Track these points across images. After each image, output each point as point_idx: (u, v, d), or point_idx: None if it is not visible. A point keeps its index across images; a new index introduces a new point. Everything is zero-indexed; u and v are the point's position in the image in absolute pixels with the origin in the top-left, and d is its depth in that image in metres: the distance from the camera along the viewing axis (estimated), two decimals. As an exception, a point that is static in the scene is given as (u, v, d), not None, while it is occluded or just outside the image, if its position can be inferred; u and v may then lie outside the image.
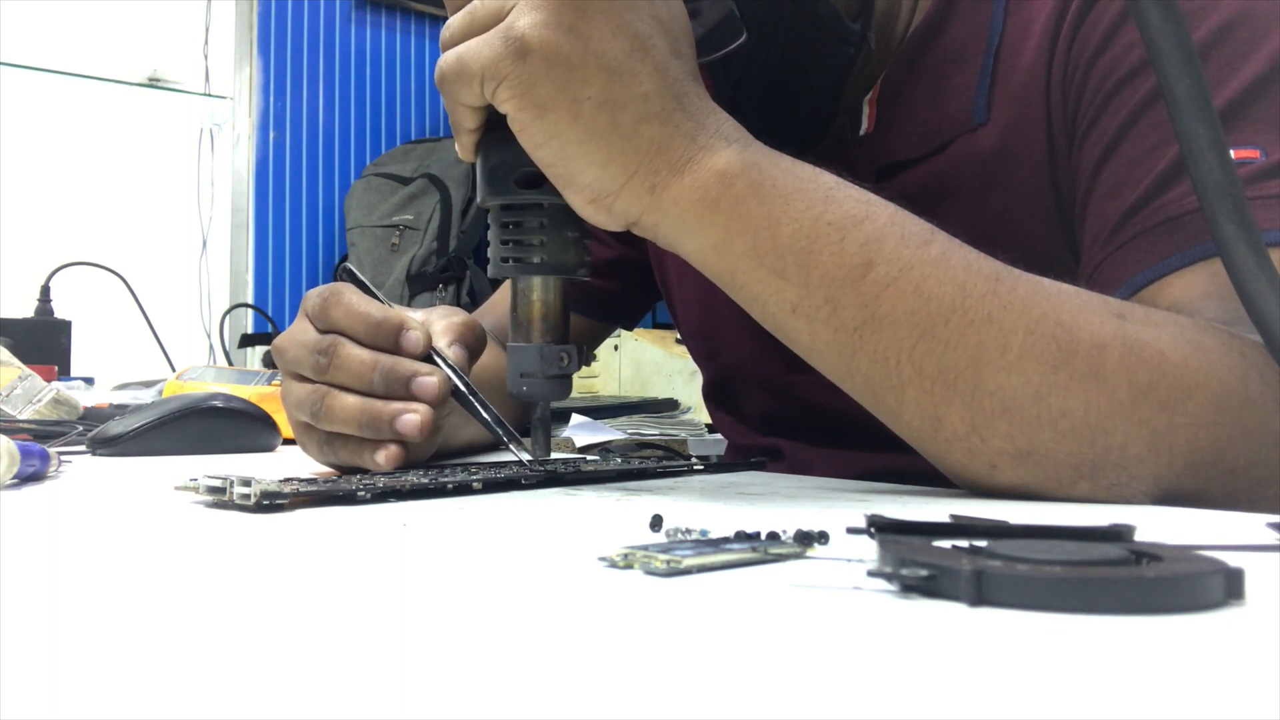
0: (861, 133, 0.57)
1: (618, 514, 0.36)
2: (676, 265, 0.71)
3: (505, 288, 0.80)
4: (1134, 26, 0.49)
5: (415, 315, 0.49)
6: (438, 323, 0.49)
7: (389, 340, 0.45)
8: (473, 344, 0.49)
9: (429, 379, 0.44)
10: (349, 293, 0.46)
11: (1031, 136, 0.54)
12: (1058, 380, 0.39)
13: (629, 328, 0.83)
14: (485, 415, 0.46)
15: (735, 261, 0.41)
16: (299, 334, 0.47)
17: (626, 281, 0.77)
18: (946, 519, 0.30)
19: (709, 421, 1.45)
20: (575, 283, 0.78)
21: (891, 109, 0.56)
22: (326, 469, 0.48)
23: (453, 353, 0.47)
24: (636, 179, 0.40)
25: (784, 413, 0.65)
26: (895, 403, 0.42)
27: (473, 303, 1.87)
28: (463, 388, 0.46)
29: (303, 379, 0.47)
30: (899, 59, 0.57)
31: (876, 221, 0.42)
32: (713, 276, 0.43)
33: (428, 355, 0.46)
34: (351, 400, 0.44)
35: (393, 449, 0.44)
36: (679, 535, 0.29)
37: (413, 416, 0.43)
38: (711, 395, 0.74)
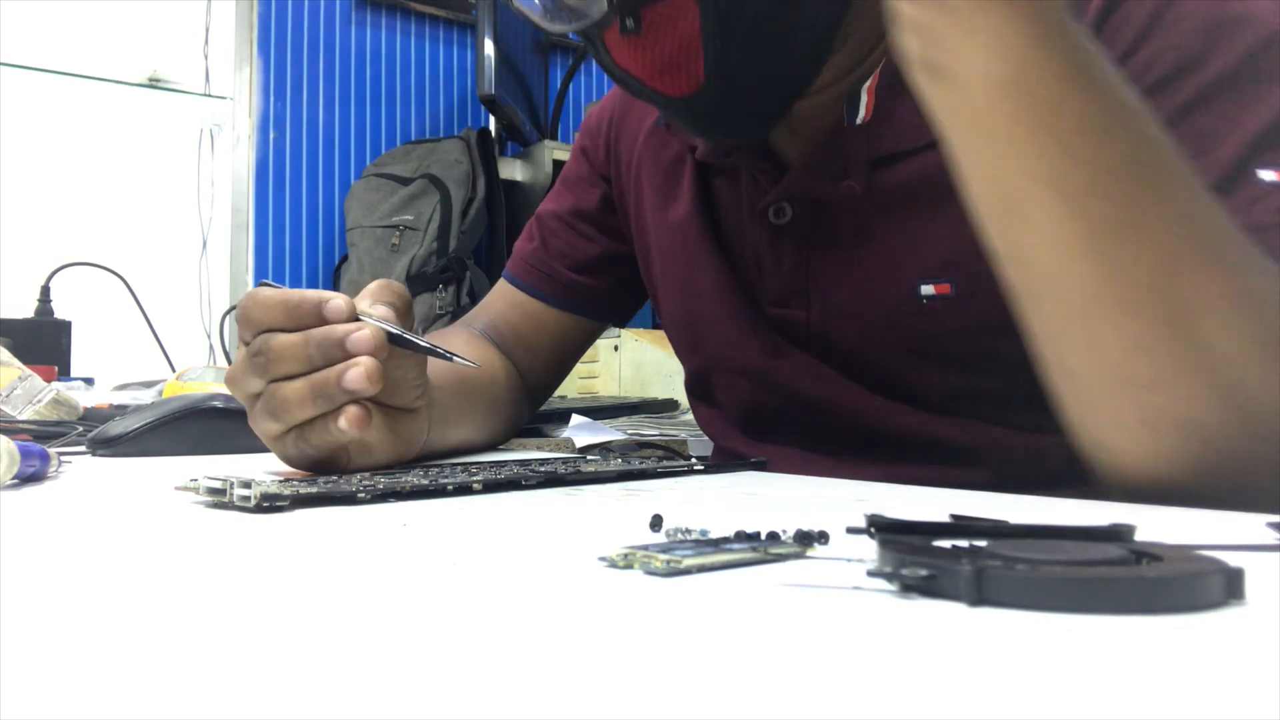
0: (859, 120, 0.57)
1: (618, 514, 0.36)
2: (661, 257, 0.71)
3: (499, 288, 0.81)
4: (1166, 31, 0.48)
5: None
6: (360, 294, 0.50)
7: (313, 317, 0.45)
8: (395, 301, 0.49)
9: (361, 333, 0.45)
10: (261, 290, 0.46)
11: None
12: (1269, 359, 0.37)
13: (620, 325, 0.84)
14: (423, 344, 0.48)
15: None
16: (239, 358, 0.47)
17: (615, 278, 0.78)
18: (946, 519, 0.30)
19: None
20: (563, 281, 0.77)
21: (891, 98, 0.56)
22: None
23: (377, 310, 0.48)
24: None
25: (763, 404, 0.65)
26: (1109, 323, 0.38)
27: (472, 303, 1.87)
28: (396, 331, 0.47)
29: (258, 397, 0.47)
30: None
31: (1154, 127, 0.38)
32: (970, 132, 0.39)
33: (354, 318, 0.46)
34: (298, 382, 0.45)
35: (351, 410, 0.44)
36: (679, 535, 0.29)
37: (357, 369, 0.44)
38: (693, 389, 0.74)
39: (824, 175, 0.58)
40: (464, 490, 0.41)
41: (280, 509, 0.36)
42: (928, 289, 0.56)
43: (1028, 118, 0.36)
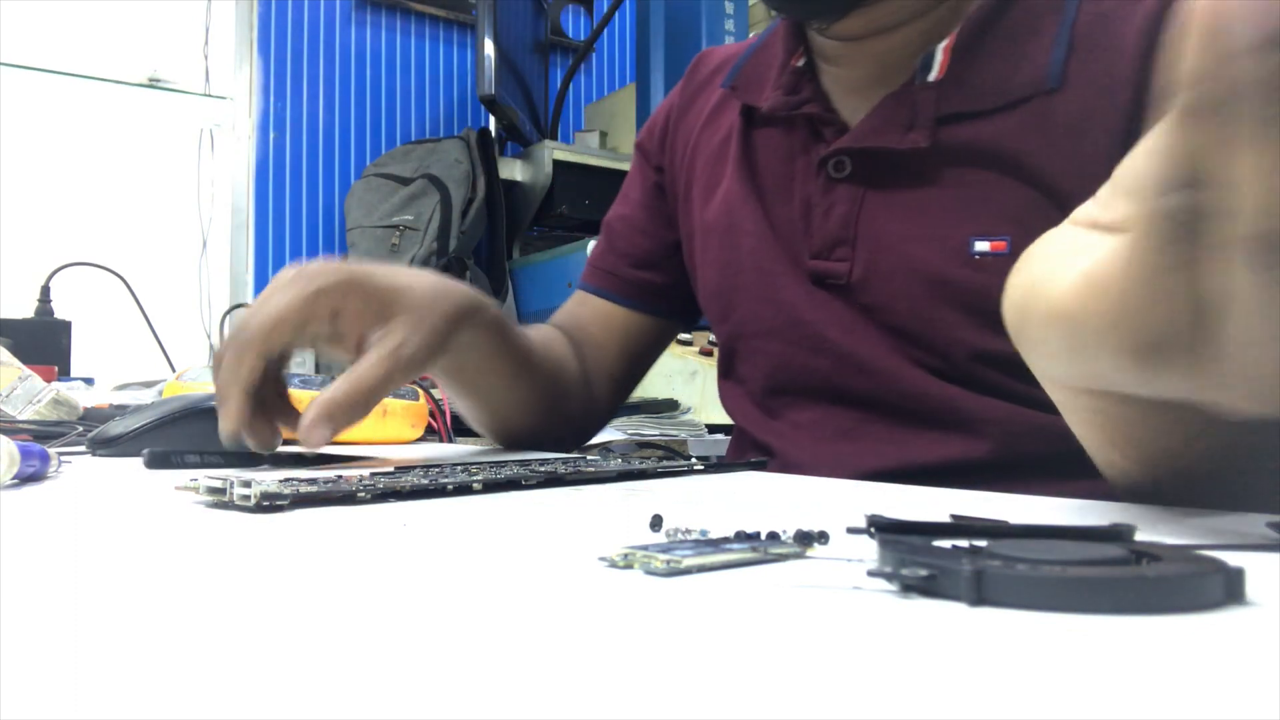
0: (931, 78, 0.59)
1: (618, 514, 0.36)
2: (703, 236, 0.72)
3: (573, 298, 0.83)
4: None
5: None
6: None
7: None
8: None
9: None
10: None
11: (1109, 122, 0.55)
12: None
13: (688, 325, 0.84)
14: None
15: None
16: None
17: (679, 272, 0.78)
18: (946, 519, 0.30)
19: (709, 421, 1.45)
20: (626, 278, 0.80)
21: (965, 59, 0.58)
22: (326, 473, 0.48)
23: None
24: None
25: (784, 362, 0.66)
26: None
27: (473, 303, 1.87)
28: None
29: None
30: (979, 11, 0.59)
31: None
32: None
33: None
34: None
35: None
36: (679, 535, 0.29)
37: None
38: (721, 367, 0.75)
39: (889, 128, 0.59)
40: (464, 490, 0.41)
41: (280, 508, 0.36)
42: (982, 245, 0.57)
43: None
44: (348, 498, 0.38)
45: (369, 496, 0.38)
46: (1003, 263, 0.55)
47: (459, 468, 0.47)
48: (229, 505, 0.36)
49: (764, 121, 0.68)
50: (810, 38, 0.66)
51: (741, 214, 0.68)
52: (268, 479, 0.37)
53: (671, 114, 0.79)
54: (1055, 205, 0.54)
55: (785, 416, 0.67)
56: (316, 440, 0.51)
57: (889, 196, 0.61)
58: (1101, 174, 0.53)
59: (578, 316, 0.80)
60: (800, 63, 0.66)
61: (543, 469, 0.45)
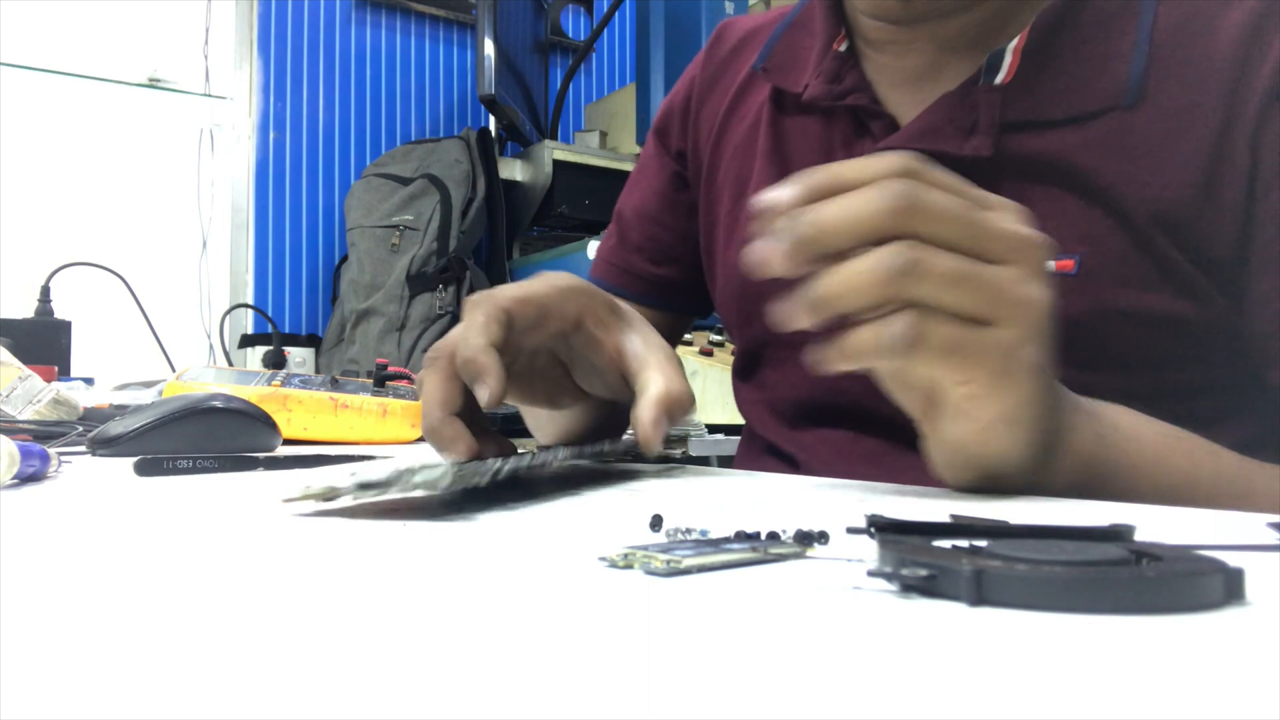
0: (998, 81, 0.55)
1: (618, 514, 0.36)
2: (727, 226, 0.69)
3: None
4: None
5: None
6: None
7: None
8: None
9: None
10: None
11: (1193, 145, 0.51)
12: None
13: (704, 317, 0.81)
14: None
15: None
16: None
17: (695, 266, 0.75)
18: (946, 519, 0.30)
19: (709, 421, 1.45)
20: (644, 275, 0.77)
21: (1036, 63, 0.54)
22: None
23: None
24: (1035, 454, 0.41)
25: (815, 381, 0.62)
26: None
27: (473, 303, 1.87)
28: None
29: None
30: (1051, 11, 0.55)
31: (1201, 481, 0.46)
32: None
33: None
34: None
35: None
36: (679, 535, 0.29)
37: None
38: (740, 369, 0.71)
39: (948, 131, 0.55)
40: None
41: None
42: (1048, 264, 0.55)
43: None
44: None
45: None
46: (1071, 284, 0.52)
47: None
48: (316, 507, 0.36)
49: (799, 108, 0.64)
50: (854, 20, 0.61)
51: None
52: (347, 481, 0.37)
53: (693, 93, 0.74)
54: (1126, 227, 0.51)
55: (810, 431, 0.63)
56: (659, 438, 0.48)
57: None
58: (1181, 199, 0.52)
59: None
60: (843, 47, 0.61)
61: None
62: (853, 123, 0.61)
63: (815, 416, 0.64)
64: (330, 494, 0.34)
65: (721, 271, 0.70)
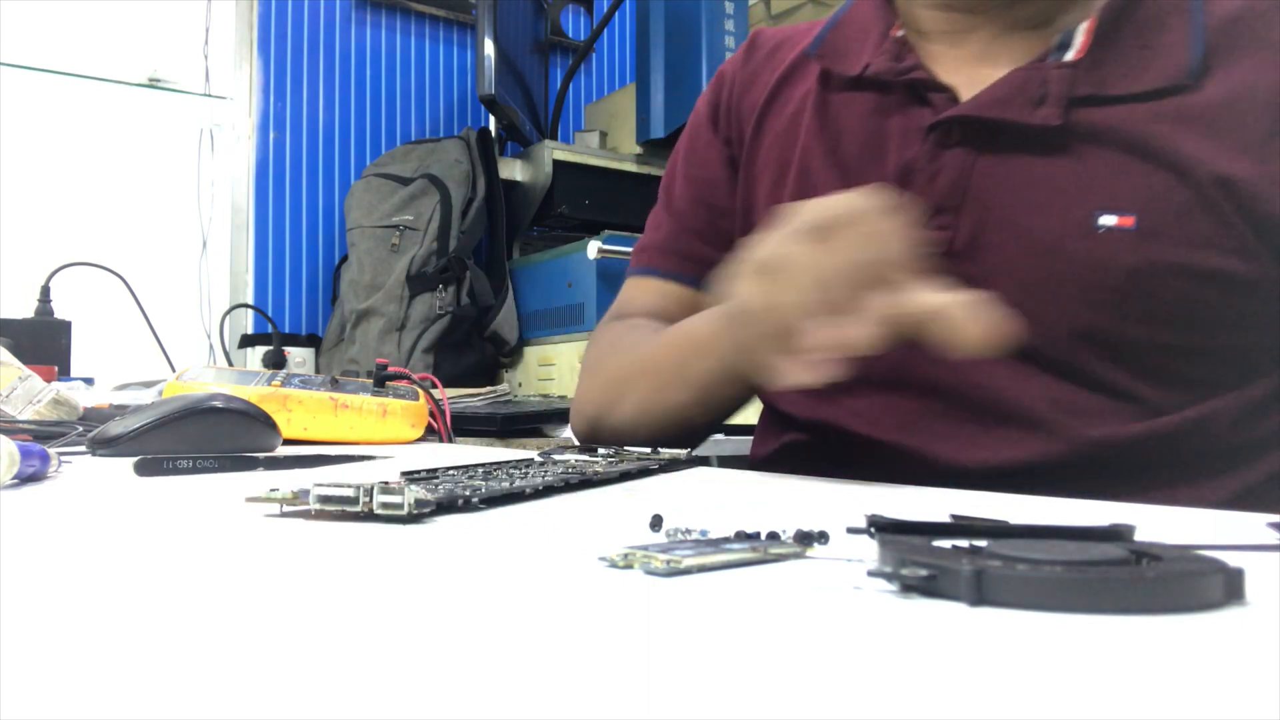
0: (1069, 58, 0.58)
1: (618, 514, 0.36)
2: (763, 208, 0.69)
3: (637, 287, 0.78)
4: None
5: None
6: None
7: None
8: None
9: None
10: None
11: (1253, 119, 0.55)
12: None
13: None
14: None
15: None
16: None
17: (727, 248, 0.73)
18: (946, 519, 0.30)
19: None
20: (705, 259, 0.75)
21: (1104, 44, 0.58)
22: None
23: None
24: None
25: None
26: None
27: (473, 303, 1.87)
28: None
29: None
30: (1113, 3, 0.59)
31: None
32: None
33: None
34: None
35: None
36: (679, 535, 0.29)
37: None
38: None
39: (1017, 101, 0.58)
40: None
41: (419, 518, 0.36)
42: (1108, 219, 0.56)
43: None
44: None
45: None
46: (1130, 238, 0.55)
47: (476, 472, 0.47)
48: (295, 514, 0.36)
49: (850, 87, 0.66)
50: (906, 15, 0.65)
51: (818, 181, 0.65)
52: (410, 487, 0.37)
53: (733, 89, 0.75)
54: (1186, 186, 0.55)
55: (841, 403, 0.63)
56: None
57: (1006, 166, 0.59)
58: (1240, 165, 0.55)
59: (663, 312, 0.74)
60: (899, 33, 0.65)
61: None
62: (910, 96, 0.63)
63: (846, 384, 0.62)
64: (294, 500, 0.34)
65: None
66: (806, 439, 0.67)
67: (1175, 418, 0.55)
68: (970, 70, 0.62)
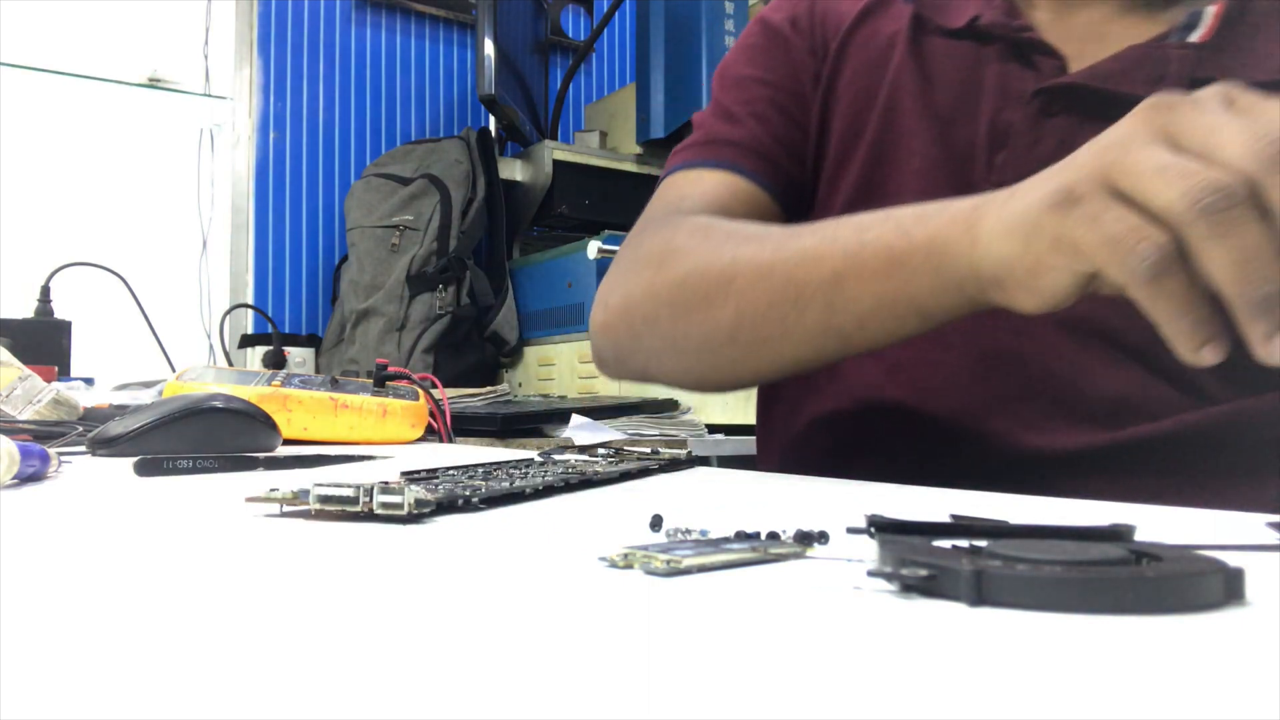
0: (1195, 39, 0.57)
1: (618, 514, 0.36)
2: (848, 140, 0.66)
3: (696, 180, 0.66)
4: None
5: None
6: None
7: None
8: None
9: None
10: None
11: None
12: None
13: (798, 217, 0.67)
14: None
15: None
16: None
17: (804, 178, 0.67)
18: (946, 519, 0.30)
19: (709, 421, 1.45)
20: (783, 167, 0.67)
21: (1231, 29, 0.57)
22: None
23: None
24: None
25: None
26: None
27: (473, 303, 1.87)
28: None
29: None
30: None
31: None
32: None
33: None
34: None
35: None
36: (679, 535, 0.29)
37: None
38: None
39: (1135, 76, 0.57)
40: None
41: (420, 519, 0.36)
42: None
43: None
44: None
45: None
46: None
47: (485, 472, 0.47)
48: (292, 513, 0.36)
49: (947, 35, 0.63)
50: None
51: (907, 126, 0.62)
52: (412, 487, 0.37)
53: (814, 2, 0.70)
54: None
55: (906, 370, 0.60)
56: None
57: None
58: None
59: (729, 209, 0.64)
60: None
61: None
62: (1011, 55, 0.61)
63: (913, 352, 0.60)
64: (294, 500, 0.34)
65: (843, 186, 0.65)
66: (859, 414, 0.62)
67: (1229, 408, 0.54)
68: (1078, 43, 0.60)
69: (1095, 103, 0.57)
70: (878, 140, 0.64)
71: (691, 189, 0.66)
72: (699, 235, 0.58)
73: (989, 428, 0.57)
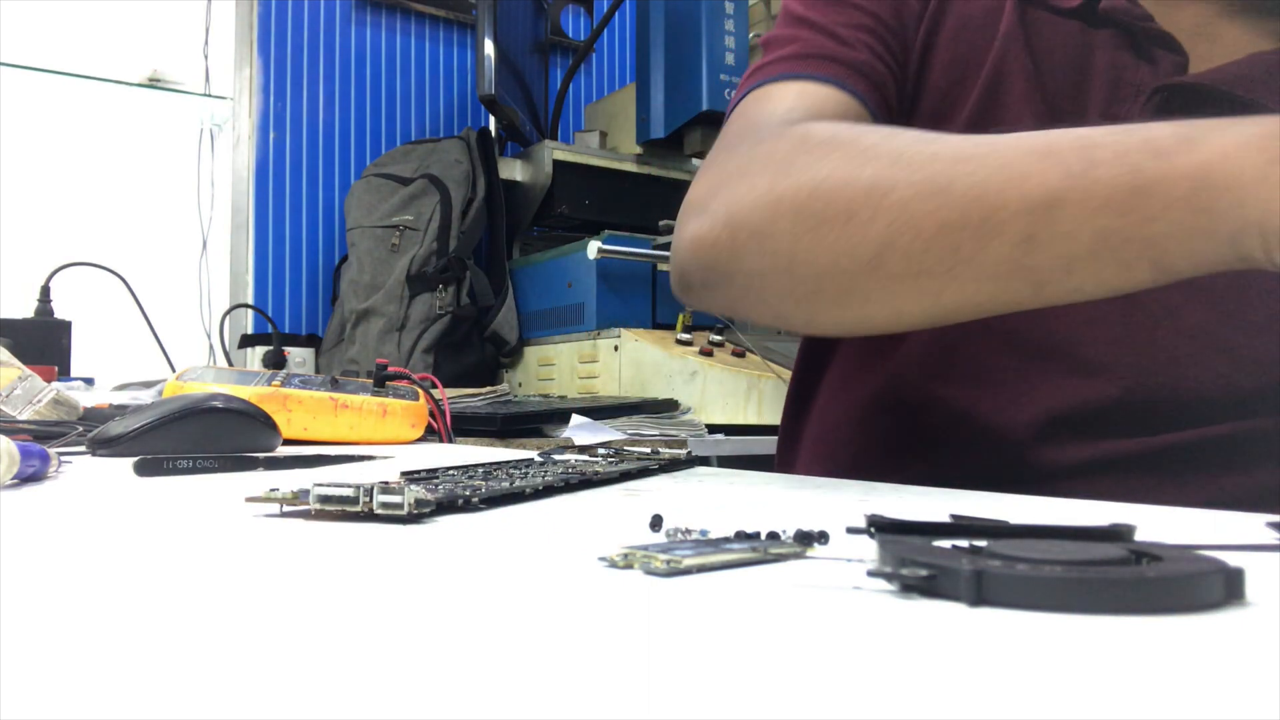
0: None
1: (618, 514, 0.36)
2: (938, 88, 0.61)
3: (799, 92, 0.57)
4: None
5: None
6: None
7: None
8: None
9: None
10: None
11: None
12: None
13: None
14: None
15: None
16: None
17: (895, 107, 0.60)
18: (946, 519, 0.30)
19: (709, 421, 1.45)
20: (883, 86, 0.59)
21: None
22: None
23: None
24: None
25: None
26: None
27: (473, 303, 1.87)
28: None
29: None
30: None
31: None
32: None
33: None
34: None
35: None
36: (679, 535, 0.29)
37: None
38: None
39: (1266, 85, 0.54)
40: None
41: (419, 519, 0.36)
42: None
43: None
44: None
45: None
46: None
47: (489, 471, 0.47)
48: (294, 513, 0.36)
49: (1056, 13, 0.58)
50: None
51: (1014, 98, 0.57)
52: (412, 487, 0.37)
53: None
54: None
55: (961, 351, 0.57)
56: None
57: None
58: None
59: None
60: None
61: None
62: (1123, 44, 0.57)
63: (973, 338, 0.57)
64: (294, 500, 0.34)
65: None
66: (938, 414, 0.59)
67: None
68: (1188, 39, 0.57)
69: (1220, 106, 0.53)
70: (979, 111, 0.58)
71: (799, 101, 0.55)
72: (842, 136, 0.46)
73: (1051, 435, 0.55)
